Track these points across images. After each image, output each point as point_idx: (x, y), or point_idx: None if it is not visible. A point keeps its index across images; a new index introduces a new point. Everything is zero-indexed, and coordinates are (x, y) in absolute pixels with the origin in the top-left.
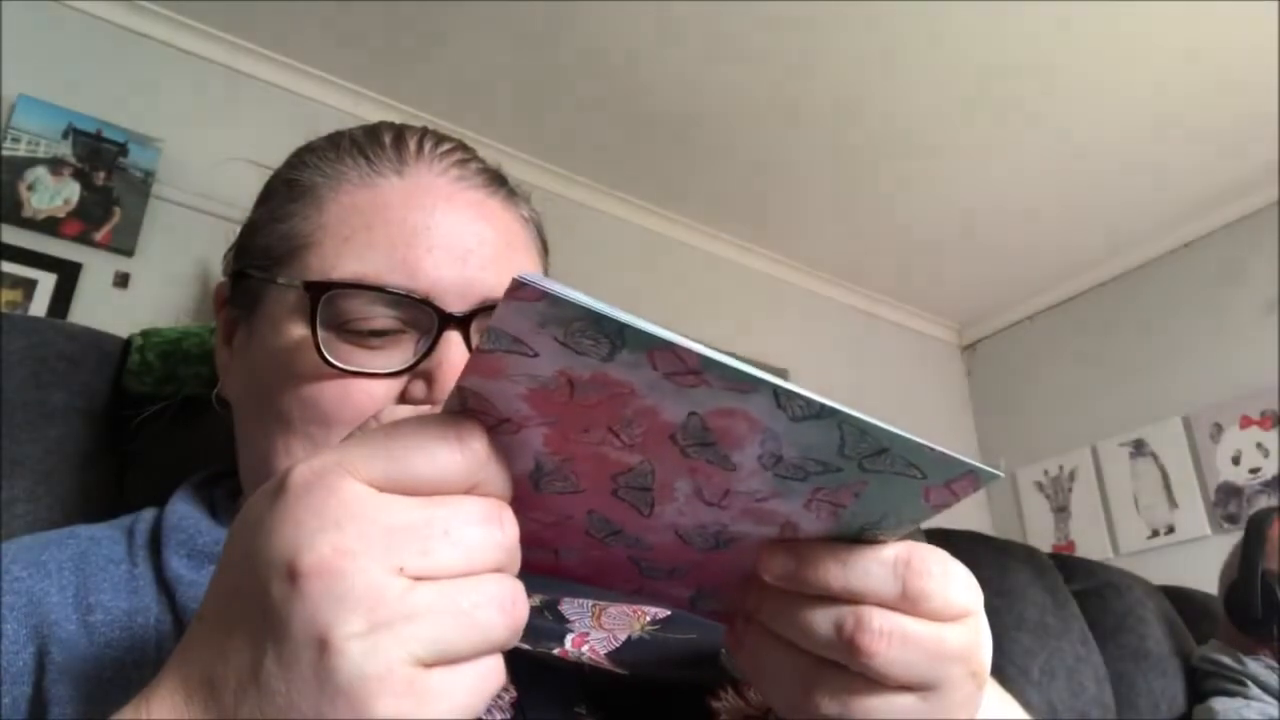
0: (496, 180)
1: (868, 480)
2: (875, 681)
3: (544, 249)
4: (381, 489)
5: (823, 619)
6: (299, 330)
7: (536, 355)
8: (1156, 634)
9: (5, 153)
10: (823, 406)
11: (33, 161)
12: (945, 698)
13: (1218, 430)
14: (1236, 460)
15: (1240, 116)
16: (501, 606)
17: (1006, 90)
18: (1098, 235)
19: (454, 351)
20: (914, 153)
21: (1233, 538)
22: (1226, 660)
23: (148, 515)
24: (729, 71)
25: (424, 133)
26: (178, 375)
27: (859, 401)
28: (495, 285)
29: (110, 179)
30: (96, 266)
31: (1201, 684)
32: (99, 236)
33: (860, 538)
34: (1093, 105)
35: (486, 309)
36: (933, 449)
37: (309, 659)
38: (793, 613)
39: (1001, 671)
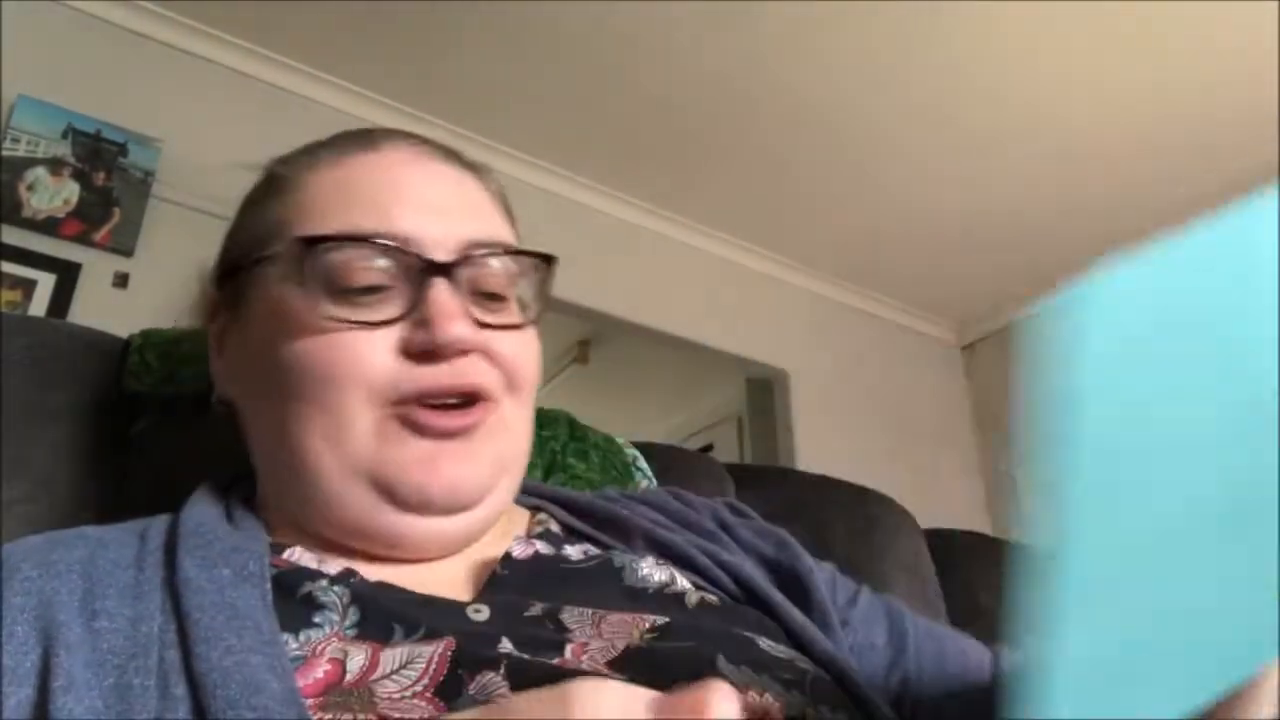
0: (456, 156)
1: None
2: None
3: (511, 219)
4: None
5: None
6: (293, 298)
7: None
8: None
9: (5, 153)
10: None
11: (32, 161)
12: None
13: None
14: None
15: (1240, 116)
16: None
17: (1006, 90)
18: (1097, 235)
19: (443, 295)
20: (912, 152)
21: None
22: None
23: (161, 521)
24: (728, 72)
25: (388, 129)
26: (177, 376)
27: (858, 402)
28: (471, 236)
29: (110, 179)
30: (96, 267)
31: None
32: (98, 237)
33: None
34: (1092, 105)
35: (466, 259)
36: None
37: None
38: None
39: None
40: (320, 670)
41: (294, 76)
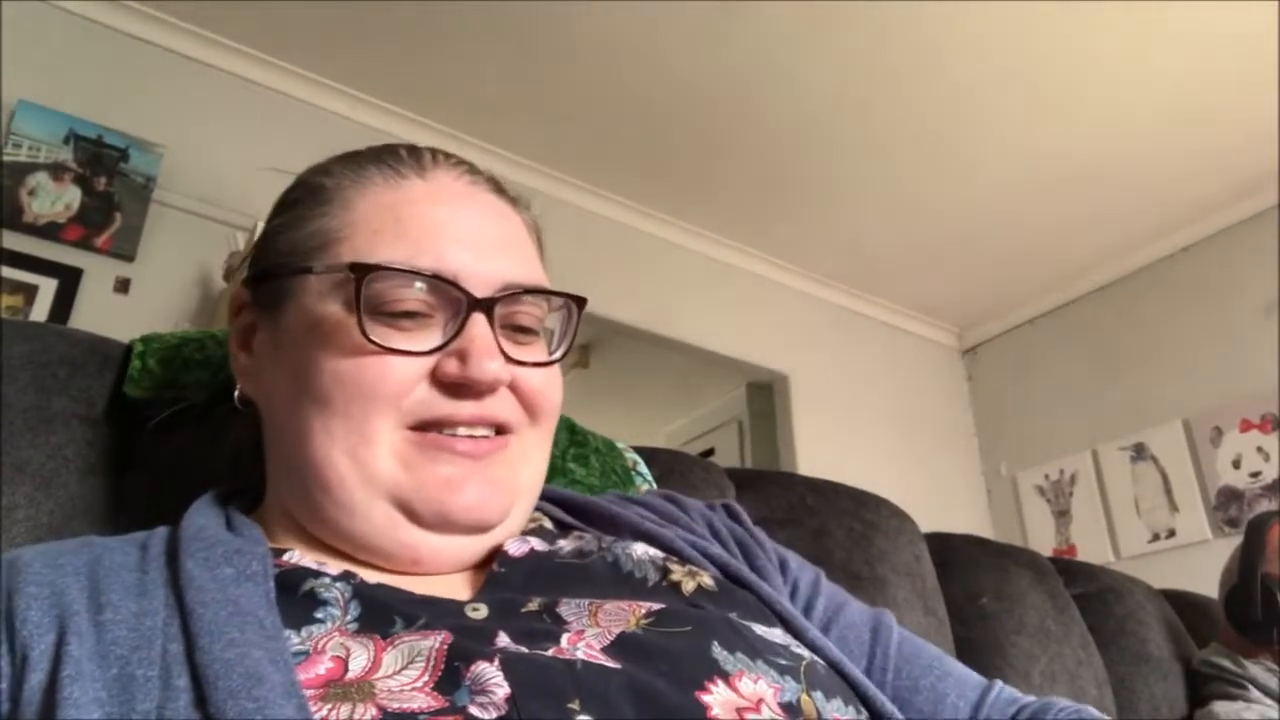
0: (501, 188)
1: None
2: None
3: (542, 250)
4: None
5: None
6: (336, 313)
7: None
8: (1157, 638)
9: (6, 158)
10: None
11: (34, 167)
12: None
13: (1218, 434)
14: (1237, 464)
15: (1239, 121)
16: None
17: (1007, 96)
18: (1098, 239)
19: (482, 331)
20: (914, 157)
21: (1233, 541)
22: (1227, 664)
23: (160, 531)
24: (727, 75)
25: (433, 149)
26: (179, 381)
27: (859, 406)
28: (511, 275)
29: (111, 184)
30: (97, 272)
31: (1202, 687)
32: (100, 242)
33: None
34: (1093, 110)
35: (505, 296)
36: None
37: None
38: None
39: (1002, 676)
40: (323, 666)
41: (295, 82)
